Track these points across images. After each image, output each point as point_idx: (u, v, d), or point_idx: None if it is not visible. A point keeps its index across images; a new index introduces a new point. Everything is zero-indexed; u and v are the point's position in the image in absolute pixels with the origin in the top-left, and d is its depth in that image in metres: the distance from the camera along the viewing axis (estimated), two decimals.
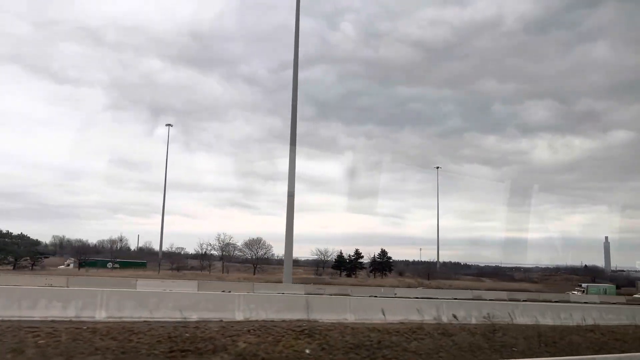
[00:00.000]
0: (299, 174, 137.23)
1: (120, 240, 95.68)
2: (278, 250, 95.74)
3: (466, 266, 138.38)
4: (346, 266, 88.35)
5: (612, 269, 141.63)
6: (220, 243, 78.28)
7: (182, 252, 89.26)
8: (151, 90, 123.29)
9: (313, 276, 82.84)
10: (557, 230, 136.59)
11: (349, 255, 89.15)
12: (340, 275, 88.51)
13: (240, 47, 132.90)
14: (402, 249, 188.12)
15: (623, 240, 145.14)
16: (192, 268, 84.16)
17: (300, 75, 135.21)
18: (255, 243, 79.07)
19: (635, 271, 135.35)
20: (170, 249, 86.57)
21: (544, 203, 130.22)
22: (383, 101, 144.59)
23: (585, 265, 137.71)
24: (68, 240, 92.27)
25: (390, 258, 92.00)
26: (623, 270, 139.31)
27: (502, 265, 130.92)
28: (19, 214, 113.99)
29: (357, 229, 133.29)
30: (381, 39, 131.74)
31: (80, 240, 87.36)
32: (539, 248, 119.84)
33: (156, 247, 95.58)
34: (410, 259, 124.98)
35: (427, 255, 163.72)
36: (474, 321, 17.73)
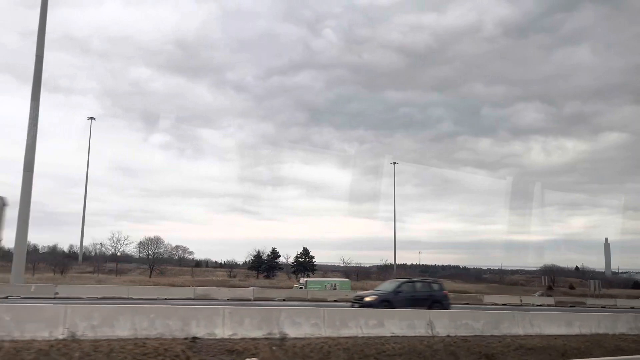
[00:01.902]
0: (296, 179, 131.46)
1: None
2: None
3: (463, 269, 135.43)
4: (262, 267, 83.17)
5: (612, 270, 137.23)
6: (114, 243, 74.66)
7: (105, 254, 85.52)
8: (142, 98, 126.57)
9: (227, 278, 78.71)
10: (558, 232, 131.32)
11: (268, 255, 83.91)
12: (257, 277, 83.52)
13: (225, 55, 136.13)
14: (406, 253, 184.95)
15: (625, 242, 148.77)
16: (110, 271, 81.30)
17: (289, 81, 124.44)
18: (152, 243, 75.16)
19: (637, 273, 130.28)
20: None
21: (544, 205, 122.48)
22: (373, 106, 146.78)
23: (577, 267, 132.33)
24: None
25: (312, 258, 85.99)
26: (625, 272, 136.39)
27: (505, 268, 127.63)
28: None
29: (359, 234, 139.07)
30: (364, 44, 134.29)
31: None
32: (539, 250, 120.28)
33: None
34: (410, 263, 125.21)
35: (429, 259, 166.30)
36: None
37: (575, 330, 17.45)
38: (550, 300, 50.98)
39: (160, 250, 75.44)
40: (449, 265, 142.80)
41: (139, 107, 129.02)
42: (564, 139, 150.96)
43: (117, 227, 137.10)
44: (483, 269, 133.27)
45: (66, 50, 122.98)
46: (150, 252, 74.25)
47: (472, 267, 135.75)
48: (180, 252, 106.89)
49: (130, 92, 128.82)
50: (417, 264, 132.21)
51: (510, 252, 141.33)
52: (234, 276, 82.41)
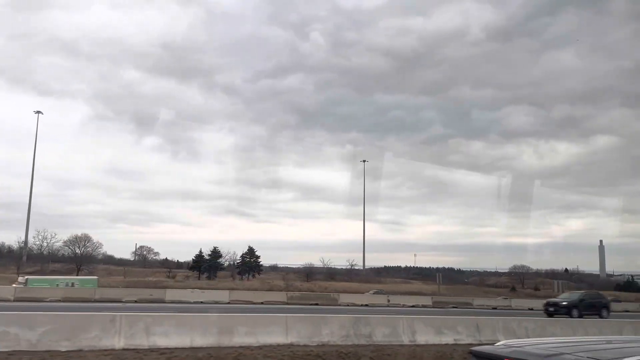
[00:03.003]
0: (290, 181, 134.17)
1: None
2: (268, 260, 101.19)
3: (458, 272, 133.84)
4: (203, 267, 79.63)
5: (607, 272, 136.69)
6: (39, 240, 71.97)
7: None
8: (134, 101, 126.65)
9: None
10: (554, 234, 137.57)
11: (209, 255, 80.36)
12: (199, 277, 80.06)
13: (213, 58, 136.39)
14: (404, 255, 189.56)
15: (622, 245, 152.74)
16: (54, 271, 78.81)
17: (279, 84, 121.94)
18: (80, 240, 72.23)
19: (632, 275, 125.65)
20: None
21: (540, 208, 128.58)
22: (363, 109, 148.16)
23: (566, 269, 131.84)
24: None
25: (258, 257, 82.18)
26: (620, 275, 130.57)
27: (501, 271, 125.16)
28: (22, 224, 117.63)
29: (357, 236, 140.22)
30: (351, 48, 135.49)
31: None
32: (535, 252, 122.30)
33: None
34: (404, 265, 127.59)
35: (425, 261, 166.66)
36: None
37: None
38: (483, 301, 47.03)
39: (89, 249, 72.23)
40: (444, 268, 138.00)
41: (131, 109, 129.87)
42: (555, 142, 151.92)
43: (114, 229, 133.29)
44: (480, 272, 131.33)
45: (54, 53, 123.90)
46: (79, 250, 71.26)
47: (468, 270, 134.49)
48: (144, 252, 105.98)
49: (121, 95, 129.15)
50: (412, 266, 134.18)
51: (507, 254, 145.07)
52: (173, 277, 79.19)
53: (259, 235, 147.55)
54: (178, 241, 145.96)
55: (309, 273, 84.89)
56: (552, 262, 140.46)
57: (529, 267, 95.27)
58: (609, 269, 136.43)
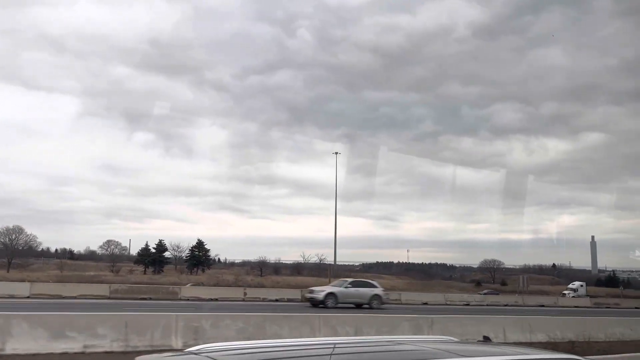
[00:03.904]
0: (283, 177, 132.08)
1: None
2: (275, 255, 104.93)
3: (450, 267, 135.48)
4: (147, 261, 75.74)
5: (599, 268, 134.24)
6: None
7: None
8: (124, 97, 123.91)
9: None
10: (547, 231, 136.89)
11: (154, 249, 76.42)
12: (145, 272, 76.26)
13: (201, 55, 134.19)
14: (397, 252, 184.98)
15: (614, 241, 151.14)
16: None
17: (268, 80, 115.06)
18: (13, 232, 68.55)
19: (622, 271, 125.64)
20: None
21: (532, 204, 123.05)
22: (353, 105, 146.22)
23: (554, 264, 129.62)
24: None
25: (208, 251, 78.07)
26: (612, 271, 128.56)
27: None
28: (17, 220, 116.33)
29: (352, 232, 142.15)
30: (338, 45, 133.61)
31: None
32: (527, 248, 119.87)
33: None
34: (397, 261, 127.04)
35: (419, 257, 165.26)
36: None
37: None
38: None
39: (20, 242, 68.52)
40: (436, 264, 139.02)
41: (121, 105, 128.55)
42: (545, 139, 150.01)
43: (109, 225, 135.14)
44: (474, 267, 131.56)
45: (41, 50, 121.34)
46: (8, 242, 67.58)
47: (460, 266, 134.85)
48: (112, 247, 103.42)
49: (110, 91, 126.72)
50: (404, 262, 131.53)
51: (500, 250, 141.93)
52: (117, 271, 75.42)
53: (253, 231, 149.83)
54: (172, 237, 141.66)
55: (263, 267, 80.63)
56: (544, 257, 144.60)
57: (500, 262, 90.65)
58: (602, 265, 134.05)
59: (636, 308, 43.31)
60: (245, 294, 31.85)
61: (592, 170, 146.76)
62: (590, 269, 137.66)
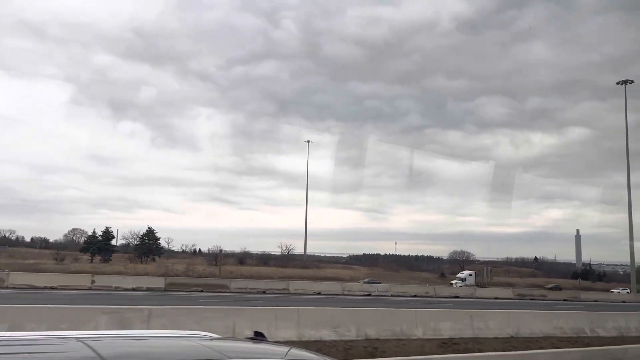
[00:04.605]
0: (271, 170, 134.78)
1: None
2: (253, 247, 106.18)
3: (437, 260, 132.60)
4: (92, 249, 72.65)
5: (583, 262, 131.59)
6: None
7: None
8: (108, 86, 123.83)
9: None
10: (534, 224, 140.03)
11: (100, 236, 73.29)
12: (92, 260, 73.21)
13: (185, 45, 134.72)
14: (386, 244, 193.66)
15: (600, 235, 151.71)
16: None
17: (254, 71, 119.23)
18: None
19: (607, 265, 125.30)
20: None
21: (519, 198, 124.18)
22: (339, 97, 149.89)
23: (536, 257, 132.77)
24: None
25: (157, 240, 74.87)
26: (597, 264, 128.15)
27: (483, 259, 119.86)
28: (2, 209, 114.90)
29: (341, 225, 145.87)
30: (323, 36, 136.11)
31: None
32: (513, 242, 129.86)
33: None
34: (384, 253, 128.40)
35: (407, 250, 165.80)
36: None
37: None
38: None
39: None
40: (423, 256, 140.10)
41: (105, 94, 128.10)
42: (530, 133, 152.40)
43: (97, 215, 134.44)
44: (459, 260, 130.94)
45: (22, 36, 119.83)
46: None
47: (447, 259, 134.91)
48: (77, 235, 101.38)
49: (94, 80, 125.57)
50: (392, 254, 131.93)
51: (486, 243, 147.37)
52: (62, 259, 72.46)
53: (242, 222, 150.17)
54: (159, 227, 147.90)
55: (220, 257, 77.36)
56: (530, 250, 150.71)
57: (469, 253, 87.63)
58: (587, 258, 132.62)
59: (564, 300, 39.93)
60: (93, 282, 28.41)
61: (578, 165, 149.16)
62: (575, 262, 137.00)
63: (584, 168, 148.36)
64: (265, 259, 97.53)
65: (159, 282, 30.14)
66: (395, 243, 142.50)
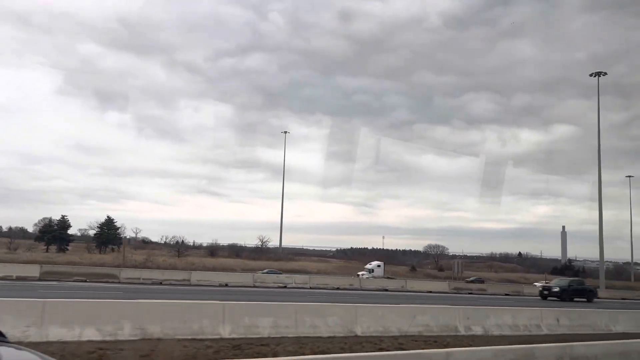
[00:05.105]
0: (260, 162, 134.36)
1: None
2: (240, 239, 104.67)
3: (424, 254, 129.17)
4: (47, 238, 69.94)
5: (569, 258, 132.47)
6: None
7: None
8: (95, 76, 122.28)
9: None
10: (521, 220, 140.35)
11: (55, 225, 70.59)
12: (47, 249, 70.53)
13: (172, 36, 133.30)
14: (375, 238, 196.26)
15: (586, 232, 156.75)
16: None
17: (242, 64, 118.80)
18: None
19: (592, 261, 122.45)
20: None
21: (507, 194, 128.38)
22: (327, 91, 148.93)
23: (520, 252, 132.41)
24: None
25: (117, 229, 72.13)
26: (581, 260, 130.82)
27: (469, 254, 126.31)
28: None
29: (330, 218, 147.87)
30: (310, 30, 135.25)
31: None
32: (501, 238, 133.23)
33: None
34: (371, 247, 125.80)
35: (395, 244, 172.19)
36: None
37: None
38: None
39: None
40: (411, 251, 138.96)
41: (92, 84, 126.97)
42: (517, 130, 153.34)
43: (85, 206, 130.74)
44: (449, 255, 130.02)
45: (5, 24, 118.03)
46: None
47: (433, 254, 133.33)
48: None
49: (81, 70, 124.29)
50: (379, 248, 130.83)
51: (472, 238, 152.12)
52: (15, 249, 69.80)
53: (230, 214, 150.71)
54: (148, 219, 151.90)
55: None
56: (516, 246, 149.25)
57: (444, 247, 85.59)
58: (573, 255, 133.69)
59: (506, 295, 37.32)
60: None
61: (565, 162, 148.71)
62: (560, 258, 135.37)
63: (571, 165, 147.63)
64: (237, 251, 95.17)
65: (33, 270, 27.29)
66: (383, 237, 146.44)
